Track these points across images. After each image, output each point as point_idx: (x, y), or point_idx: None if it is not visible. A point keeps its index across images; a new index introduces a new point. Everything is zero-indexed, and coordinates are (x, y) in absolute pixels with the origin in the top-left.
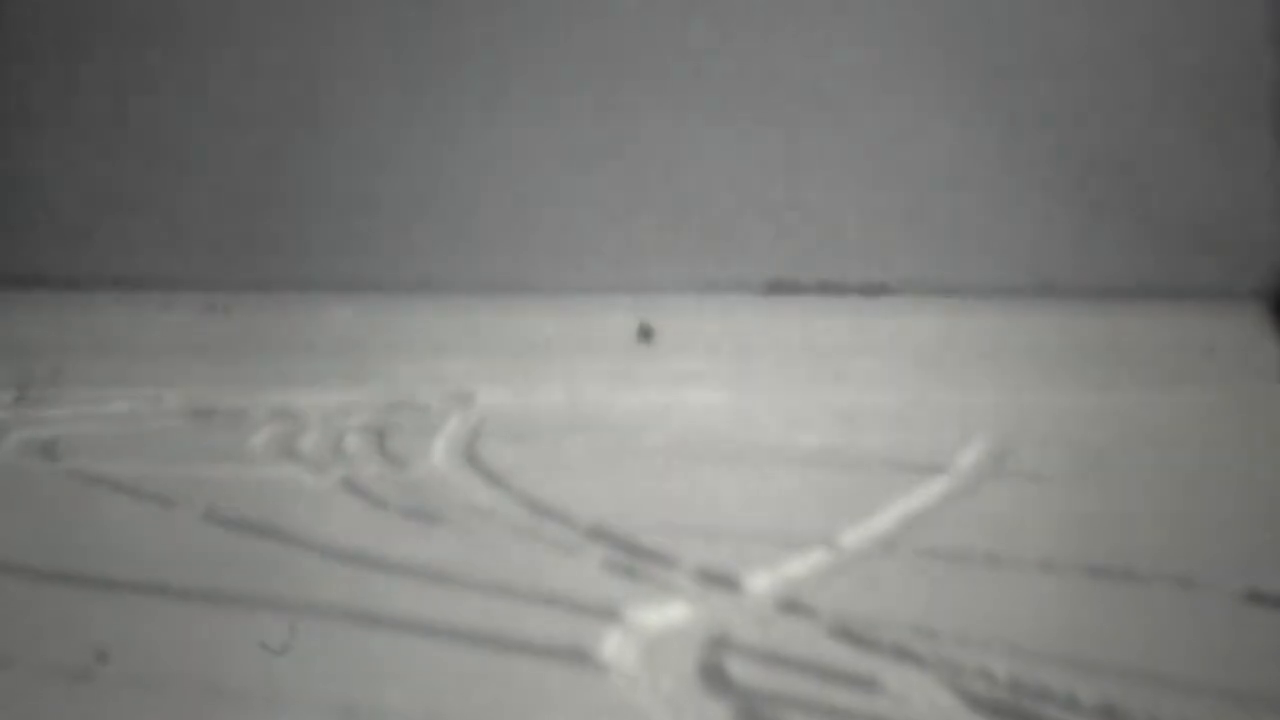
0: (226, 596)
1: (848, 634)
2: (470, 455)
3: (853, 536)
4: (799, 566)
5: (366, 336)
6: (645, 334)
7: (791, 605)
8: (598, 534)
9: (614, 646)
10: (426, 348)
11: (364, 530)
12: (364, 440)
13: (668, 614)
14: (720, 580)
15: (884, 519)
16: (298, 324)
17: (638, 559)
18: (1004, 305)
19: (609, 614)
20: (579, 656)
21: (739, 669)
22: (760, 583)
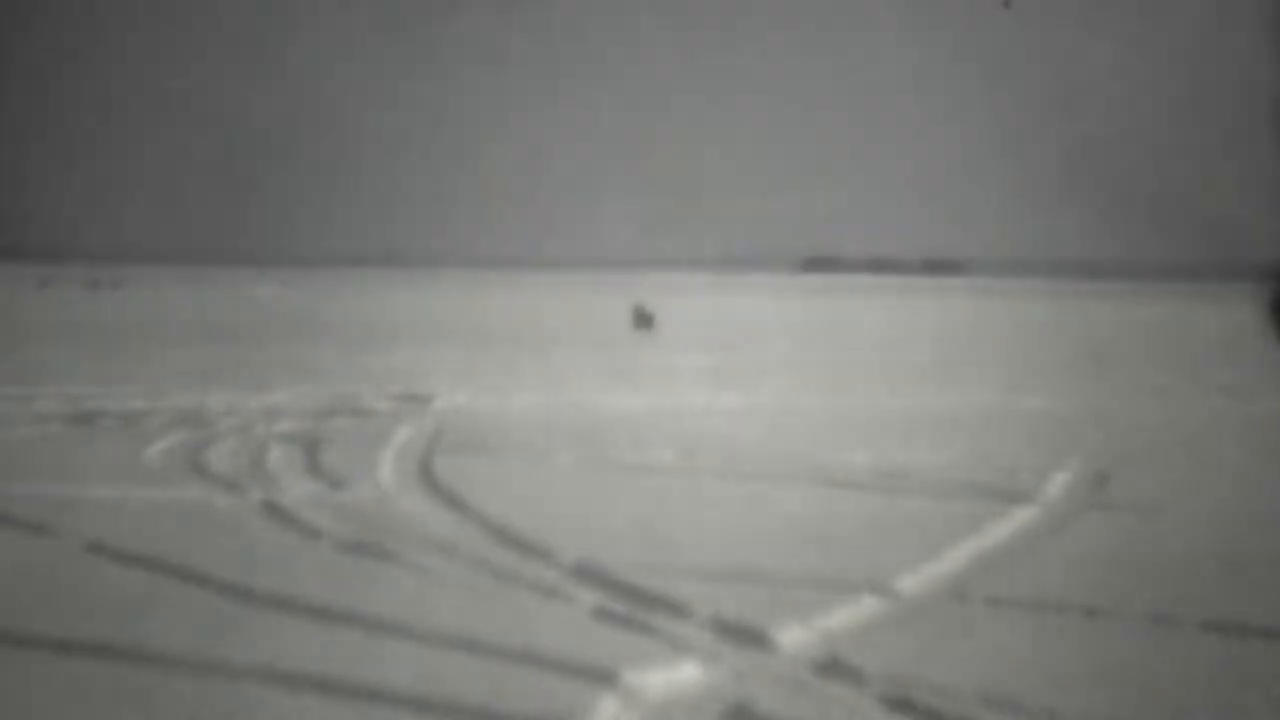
0: (114, 651)
1: (905, 704)
2: (426, 473)
3: (912, 580)
4: (843, 617)
5: (295, 321)
6: (644, 320)
7: (833, 667)
8: (587, 574)
9: (608, 717)
10: (371, 336)
11: (290, 567)
12: (291, 453)
13: (676, 677)
14: (742, 634)
15: (952, 558)
16: (207, 304)
17: (637, 606)
18: (1100, 287)
19: (601, 676)
20: None
21: None
22: (793, 638)
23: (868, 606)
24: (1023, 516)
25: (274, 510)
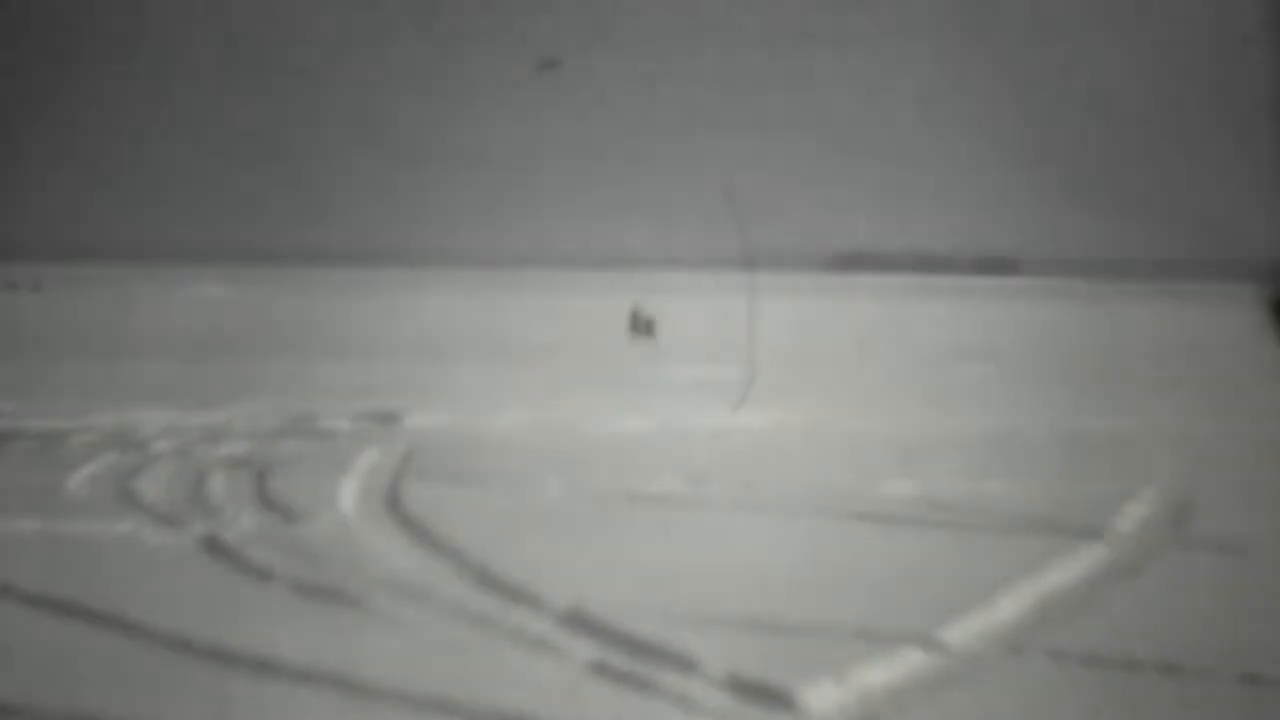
0: (34, 711)
1: None
2: (394, 504)
3: (961, 631)
4: (881, 674)
5: (243, 328)
6: (643, 327)
7: None
8: (579, 622)
9: None
10: (333, 345)
11: (235, 615)
12: (238, 480)
13: None
14: (762, 693)
15: (1008, 606)
16: (141, 308)
17: (639, 660)
18: (1176, 290)
19: None
20: None
21: None
22: (823, 698)
23: (911, 661)
24: (1091, 556)
25: (216, 547)
